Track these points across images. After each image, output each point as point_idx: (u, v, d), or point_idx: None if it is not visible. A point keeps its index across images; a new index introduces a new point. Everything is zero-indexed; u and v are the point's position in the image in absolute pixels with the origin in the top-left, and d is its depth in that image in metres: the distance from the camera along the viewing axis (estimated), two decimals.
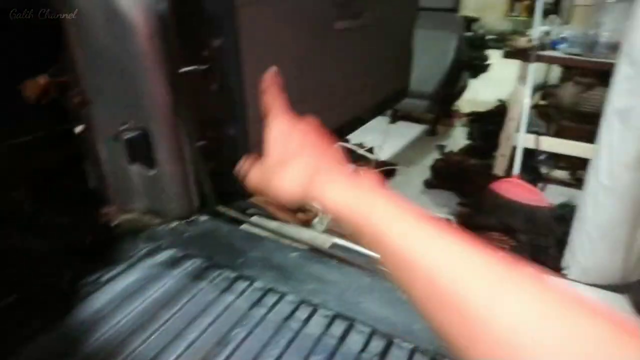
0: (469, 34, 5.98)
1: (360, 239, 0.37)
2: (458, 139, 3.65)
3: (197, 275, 0.86)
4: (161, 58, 0.85)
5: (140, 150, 0.88)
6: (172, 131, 0.88)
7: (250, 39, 0.95)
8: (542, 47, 2.40)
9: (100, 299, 0.80)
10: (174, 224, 0.97)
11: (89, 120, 0.91)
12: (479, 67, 5.40)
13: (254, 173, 0.50)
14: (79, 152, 0.96)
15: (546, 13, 2.81)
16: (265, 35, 1.00)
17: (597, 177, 1.65)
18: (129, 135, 0.86)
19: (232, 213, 1.07)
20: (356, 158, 3.12)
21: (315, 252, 0.98)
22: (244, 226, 1.07)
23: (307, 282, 0.86)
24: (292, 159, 0.46)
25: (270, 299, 0.83)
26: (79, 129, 0.93)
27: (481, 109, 3.98)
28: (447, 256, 0.30)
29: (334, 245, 1.13)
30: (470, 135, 3.51)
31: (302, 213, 2.40)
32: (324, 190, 0.41)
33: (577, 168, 2.71)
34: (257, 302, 0.82)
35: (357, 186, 0.39)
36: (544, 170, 2.83)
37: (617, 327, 0.24)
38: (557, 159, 2.84)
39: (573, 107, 2.55)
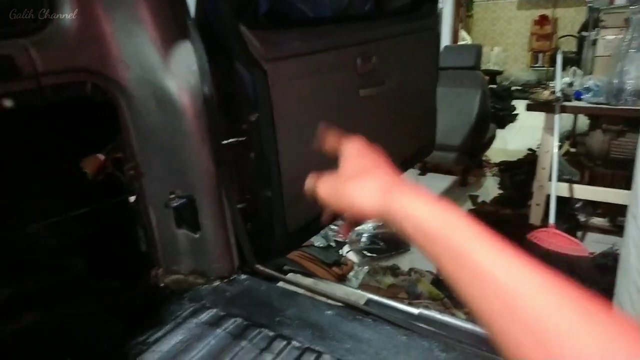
0: (494, 86, 6.09)
1: (435, 255, 0.39)
2: (490, 189, 3.63)
3: (238, 334, 0.90)
4: (205, 134, 0.95)
5: (187, 216, 0.96)
6: (215, 197, 0.97)
7: (283, 111, 1.05)
8: (566, 98, 2.44)
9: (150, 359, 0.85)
10: (216, 283, 1.03)
11: (141, 191, 1.01)
12: (505, 118, 5.44)
13: (326, 185, 0.52)
14: (131, 219, 1.05)
15: (567, 64, 2.88)
16: (296, 107, 1.10)
17: (636, 224, 1.61)
18: (176, 202, 0.95)
19: (269, 271, 1.12)
20: None
21: (351, 309, 1.01)
22: (280, 283, 1.12)
23: (343, 341, 0.89)
24: (366, 172, 0.49)
25: (308, 359, 0.85)
26: (132, 199, 1.03)
27: (511, 158, 3.97)
28: (515, 272, 0.34)
29: (369, 302, 1.15)
30: (502, 185, 3.50)
31: (337, 267, 2.42)
32: (404, 203, 0.42)
33: (616, 214, 2.64)
34: None
35: (435, 203, 0.42)
36: (581, 218, 2.76)
37: None
38: (594, 206, 2.78)
39: (604, 154, 2.53)
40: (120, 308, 0.98)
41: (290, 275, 1.18)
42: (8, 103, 0.74)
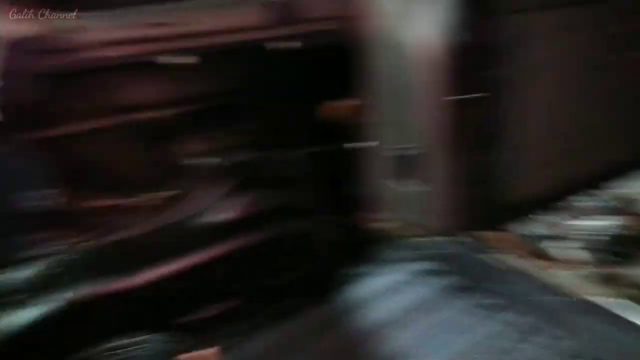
0: None
1: None
2: None
3: (450, 293, 0.88)
4: (441, 88, 0.93)
5: (412, 168, 0.97)
6: (444, 154, 0.95)
7: (527, 70, 0.95)
8: None
9: (359, 291, 0.92)
10: (429, 238, 1.03)
11: (371, 139, 1.06)
12: None
13: None
14: (356, 164, 1.12)
15: None
16: (541, 68, 0.98)
17: None
18: (403, 153, 0.97)
19: (479, 240, 1.06)
20: (610, 210, 2.63)
21: (583, 302, 0.89)
22: (488, 256, 1.05)
23: (577, 332, 0.78)
24: None
25: (535, 339, 0.78)
26: (359, 145, 1.09)
27: None
28: None
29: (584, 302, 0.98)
30: None
31: (544, 260, 2.15)
32: None
33: None
34: (522, 339, 0.79)
35: None
36: None
37: None
38: None
39: None
40: (340, 241, 1.07)
41: (499, 252, 1.10)
42: (283, 45, 0.86)
